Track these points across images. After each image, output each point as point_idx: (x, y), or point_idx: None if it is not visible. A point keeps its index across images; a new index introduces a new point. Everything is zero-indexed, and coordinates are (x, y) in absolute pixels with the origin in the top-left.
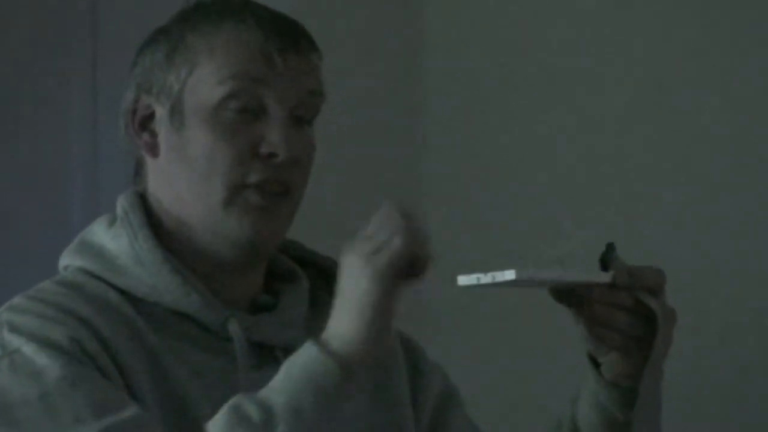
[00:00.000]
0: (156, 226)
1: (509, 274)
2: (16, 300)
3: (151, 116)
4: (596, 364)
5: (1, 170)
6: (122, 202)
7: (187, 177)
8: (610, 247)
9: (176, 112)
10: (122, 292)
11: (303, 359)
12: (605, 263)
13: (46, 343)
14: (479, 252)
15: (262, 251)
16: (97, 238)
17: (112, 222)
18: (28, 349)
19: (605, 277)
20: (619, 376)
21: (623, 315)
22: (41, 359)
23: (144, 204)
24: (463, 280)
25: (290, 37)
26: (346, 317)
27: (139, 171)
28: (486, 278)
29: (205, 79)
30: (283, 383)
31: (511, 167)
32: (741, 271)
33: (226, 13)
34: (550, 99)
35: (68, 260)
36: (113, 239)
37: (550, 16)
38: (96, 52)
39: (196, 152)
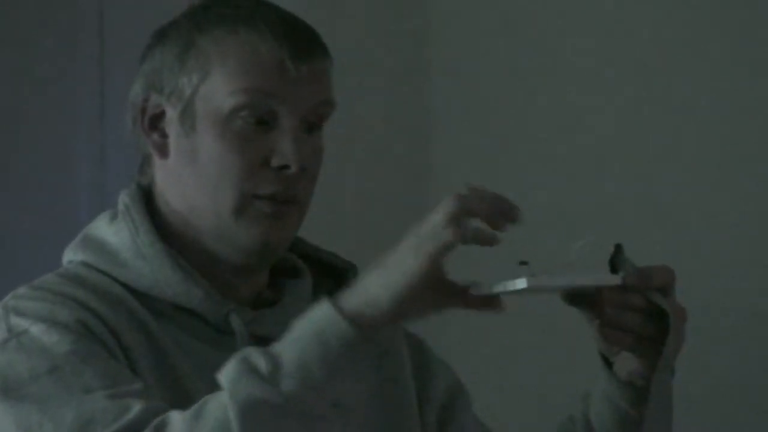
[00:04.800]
0: (161, 222)
1: (521, 283)
2: (21, 290)
3: (161, 115)
4: (608, 363)
5: (8, 171)
6: (123, 198)
7: (197, 183)
8: (619, 249)
9: (187, 116)
10: (125, 286)
11: (315, 315)
12: (614, 265)
13: (54, 323)
14: (488, 253)
15: (269, 258)
16: (100, 233)
17: (113, 217)
18: (36, 329)
19: (615, 279)
20: (632, 375)
21: (634, 316)
22: (50, 337)
23: (148, 199)
24: (475, 290)
25: (303, 44)
26: (376, 282)
27: (144, 166)
28: (498, 287)
29: (217, 88)
30: (293, 337)
31: (520, 168)
32: (749, 270)
33: (239, 17)
34: (557, 98)
35: (71, 255)
36: (115, 234)
37: (557, 12)
38: (103, 51)
39: (206, 159)
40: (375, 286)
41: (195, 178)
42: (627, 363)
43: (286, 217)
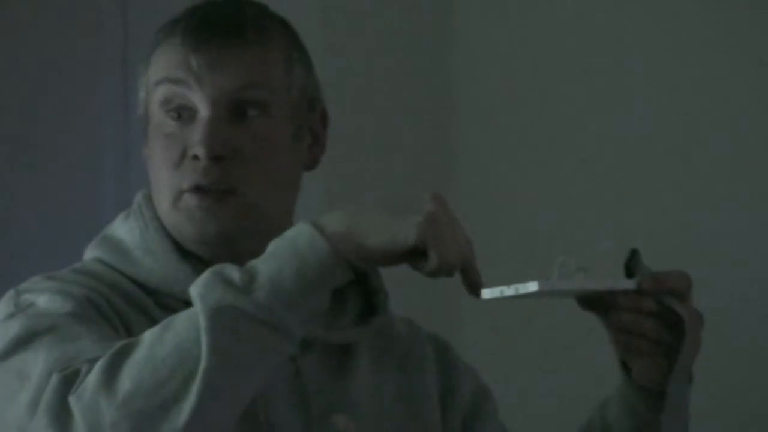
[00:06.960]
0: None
1: (532, 286)
2: (35, 277)
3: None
4: (627, 368)
5: (32, 169)
6: (138, 197)
7: (153, 187)
8: (635, 253)
9: (145, 126)
10: (136, 283)
11: (293, 233)
12: (630, 269)
13: (60, 292)
14: (504, 257)
15: (229, 249)
16: (114, 232)
17: (128, 216)
18: (43, 299)
19: (630, 284)
20: (650, 381)
21: (650, 321)
22: (54, 303)
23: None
24: (487, 293)
25: (210, 36)
26: (372, 225)
27: None
28: (509, 291)
29: (148, 93)
30: (270, 252)
31: (537, 174)
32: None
33: (174, 18)
34: (576, 104)
35: (89, 253)
36: (128, 232)
37: (575, 20)
38: (127, 46)
39: (152, 163)
40: (370, 226)
41: (152, 184)
42: (645, 369)
43: (220, 209)
